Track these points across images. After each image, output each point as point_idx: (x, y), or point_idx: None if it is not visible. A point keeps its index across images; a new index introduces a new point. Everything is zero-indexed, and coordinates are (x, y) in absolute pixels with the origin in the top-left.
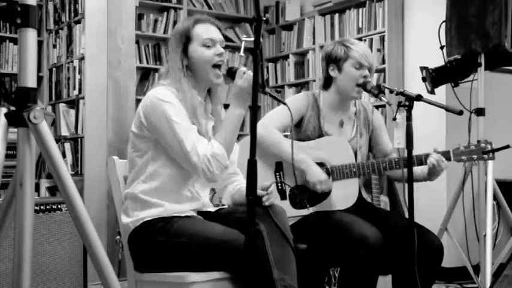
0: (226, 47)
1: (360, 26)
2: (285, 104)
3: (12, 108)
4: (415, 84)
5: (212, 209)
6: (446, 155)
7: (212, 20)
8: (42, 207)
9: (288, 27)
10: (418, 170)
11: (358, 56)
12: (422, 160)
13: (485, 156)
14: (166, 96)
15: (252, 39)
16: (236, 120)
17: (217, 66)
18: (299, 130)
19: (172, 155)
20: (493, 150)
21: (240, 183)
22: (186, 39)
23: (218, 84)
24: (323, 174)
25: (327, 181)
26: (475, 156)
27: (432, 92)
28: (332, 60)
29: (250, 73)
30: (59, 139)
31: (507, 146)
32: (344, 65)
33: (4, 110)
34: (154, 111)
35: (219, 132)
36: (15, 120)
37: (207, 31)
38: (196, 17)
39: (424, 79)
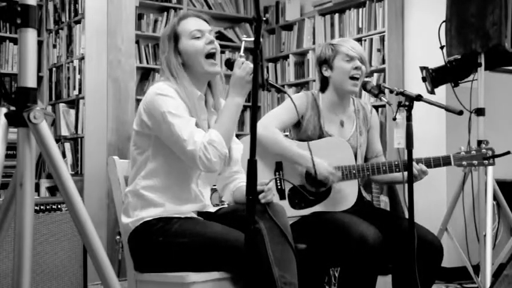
0: (226, 47)
1: (360, 26)
2: (286, 93)
3: (12, 108)
4: (415, 84)
5: (212, 209)
6: (446, 159)
7: (197, 13)
8: (42, 207)
9: (288, 27)
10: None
11: (345, 50)
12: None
13: (486, 162)
14: (166, 90)
15: (252, 39)
16: (234, 109)
17: (210, 55)
18: (299, 130)
19: (170, 147)
20: (494, 156)
21: (241, 180)
22: (174, 38)
23: (216, 73)
24: (328, 165)
25: (334, 173)
26: (475, 162)
27: (432, 92)
28: (323, 61)
29: (249, 63)
30: (59, 139)
31: (508, 152)
32: (334, 62)
33: (4, 110)
34: (154, 105)
35: (217, 120)
36: (15, 120)
37: (192, 23)
38: (179, 15)
39: (424, 79)
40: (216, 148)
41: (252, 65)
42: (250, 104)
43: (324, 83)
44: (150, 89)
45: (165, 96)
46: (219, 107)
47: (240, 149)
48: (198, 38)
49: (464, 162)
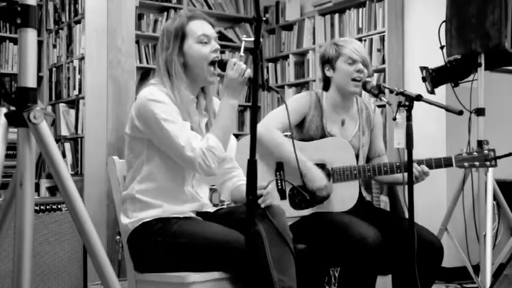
0: (226, 47)
1: (360, 26)
2: (284, 101)
3: (12, 108)
4: (415, 84)
5: (211, 209)
6: (448, 161)
7: (205, 16)
8: (42, 207)
9: (288, 27)
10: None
11: (349, 52)
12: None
13: (488, 163)
14: (157, 96)
15: (252, 39)
16: (230, 111)
17: (213, 63)
18: (301, 130)
19: (167, 153)
20: (496, 158)
21: (239, 178)
22: (181, 36)
23: (212, 83)
24: (323, 179)
25: (327, 187)
26: (477, 163)
27: (432, 92)
28: (326, 61)
29: (241, 64)
30: (59, 139)
31: (510, 154)
32: (337, 63)
33: (4, 110)
34: (146, 112)
35: (213, 124)
36: (15, 120)
37: (201, 27)
38: (189, 13)
39: (424, 79)
40: (215, 154)
41: (244, 66)
42: (250, 104)
43: (327, 82)
44: (141, 93)
45: (158, 102)
46: (211, 108)
47: (233, 145)
48: (205, 43)
49: (466, 164)
